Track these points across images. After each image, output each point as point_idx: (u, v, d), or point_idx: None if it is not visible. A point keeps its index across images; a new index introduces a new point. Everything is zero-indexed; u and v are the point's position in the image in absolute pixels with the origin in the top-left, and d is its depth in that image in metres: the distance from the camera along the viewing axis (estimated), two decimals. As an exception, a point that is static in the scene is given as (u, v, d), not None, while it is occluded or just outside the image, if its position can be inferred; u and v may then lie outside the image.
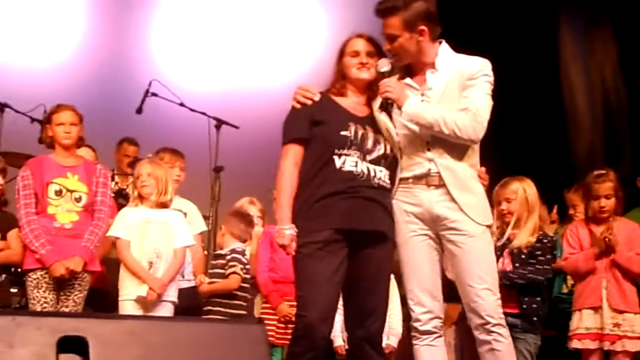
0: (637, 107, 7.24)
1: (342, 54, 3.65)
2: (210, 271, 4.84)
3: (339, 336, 4.69)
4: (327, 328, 3.40)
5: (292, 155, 3.53)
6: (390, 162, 3.56)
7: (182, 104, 6.16)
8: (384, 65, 3.55)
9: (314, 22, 8.02)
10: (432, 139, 3.49)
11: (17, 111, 5.91)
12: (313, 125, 3.52)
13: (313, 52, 7.38)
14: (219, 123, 6.01)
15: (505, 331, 3.45)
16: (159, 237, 4.55)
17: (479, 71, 3.52)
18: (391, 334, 4.96)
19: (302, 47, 7.81)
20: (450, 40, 3.62)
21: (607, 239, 4.49)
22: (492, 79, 3.55)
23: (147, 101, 6.13)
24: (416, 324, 3.52)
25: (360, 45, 3.61)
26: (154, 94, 6.13)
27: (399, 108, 3.47)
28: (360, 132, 3.51)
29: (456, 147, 3.49)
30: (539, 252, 4.37)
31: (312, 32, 7.95)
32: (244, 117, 6.32)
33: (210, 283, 4.79)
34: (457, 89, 3.50)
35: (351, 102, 3.63)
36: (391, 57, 3.56)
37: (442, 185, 3.47)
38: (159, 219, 4.59)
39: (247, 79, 7.88)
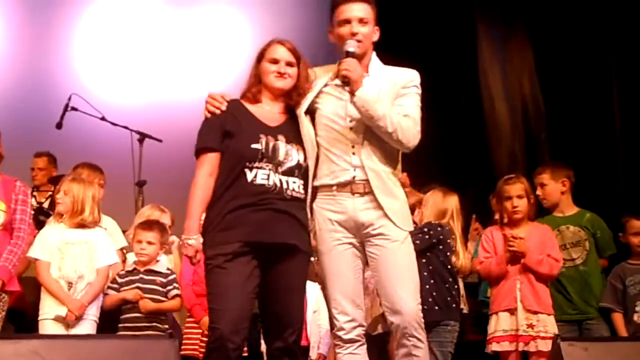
0: (554, 114, 7.43)
1: (261, 57, 3.62)
2: (142, 286, 4.68)
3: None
4: (239, 339, 3.39)
5: (207, 165, 3.51)
6: (305, 171, 3.56)
7: (103, 118, 6.10)
8: (352, 46, 3.50)
9: (237, 34, 8.01)
10: (358, 143, 3.51)
11: None
12: (225, 136, 3.51)
13: (236, 64, 7.36)
14: (142, 137, 5.97)
15: (424, 337, 3.49)
16: (80, 258, 4.51)
17: (410, 81, 3.58)
18: (322, 343, 4.98)
19: (225, 59, 7.79)
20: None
21: (512, 249, 4.57)
22: (420, 91, 3.61)
23: (67, 115, 6.04)
24: (340, 333, 3.53)
25: (282, 53, 3.59)
26: (74, 109, 6.05)
27: (352, 92, 3.47)
28: (271, 144, 3.49)
29: (385, 153, 3.53)
30: None
31: (235, 43, 7.94)
32: (167, 130, 6.28)
33: (153, 300, 4.65)
34: (390, 97, 3.53)
35: (264, 110, 3.61)
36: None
37: (367, 192, 3.49)
38: (79, 239, 4.54)
39: (169, 92, 7.84)
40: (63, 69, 7.57)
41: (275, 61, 3.58)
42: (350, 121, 3.54)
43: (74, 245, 4.51)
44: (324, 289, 3.79)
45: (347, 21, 3.56)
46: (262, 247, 3.43)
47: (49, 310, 4.45)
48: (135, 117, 6.56)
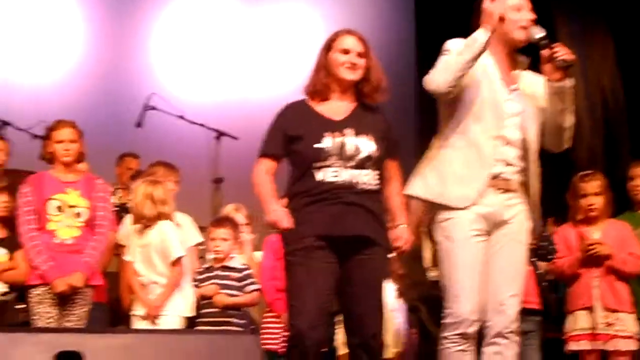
0: (635, 110, 7.24)
1: (329, 48, 3.56)
2: (218, 282, 4.76)
3: (344, 344, 4.67)
4: (317, 335, 3.40)
5: (263, 166, 3.55)
6: (377, 161, 3.51)
7: (181, 117, 6.21)
8: (539, 31, 3.41)
9: (312, 31, 8.05)
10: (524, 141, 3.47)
11: (18, 128, 5.95)
12: (289, 141, 3.52)
13: (311, 61, 7.41)
14: (219, 134, 6.06)
15: (518, 340, 3.46)
16: (152, 256, 4.61)
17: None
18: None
19: (300, 56, 7.84)
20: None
21: (594, 252, 4.47)
22: None
23: (146, 114, 6.17)
24: (466, 329, 3.41)
25: (352, 43, 3.53)
26: (153, 108, 6.18)
27: (566, 77, 3.40)
28: (338, 140, 3.46)
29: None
30: None
31: (310, 40, 7.98)
32: (244, 128, 6.35)
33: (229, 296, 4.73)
34: (532, 99, 3.50)
35: (330, 105, 3.57)
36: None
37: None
38: (150, 238, 4.63)
39: (245, 90, 7.90)
40: (143, 69, 7.70)
41: (346, 52, 3.51)
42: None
43: (146, 244, 4.62)
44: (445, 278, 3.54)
45: (519, 8, 3.46)
46: (337, 241, 3.43)
47: (137, 307, 4.60)
48: (212, 115, 6.64)
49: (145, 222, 4.64)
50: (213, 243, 4.79)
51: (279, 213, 3.43)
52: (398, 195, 3.60)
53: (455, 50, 3.41)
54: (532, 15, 3.46)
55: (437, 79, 3.38)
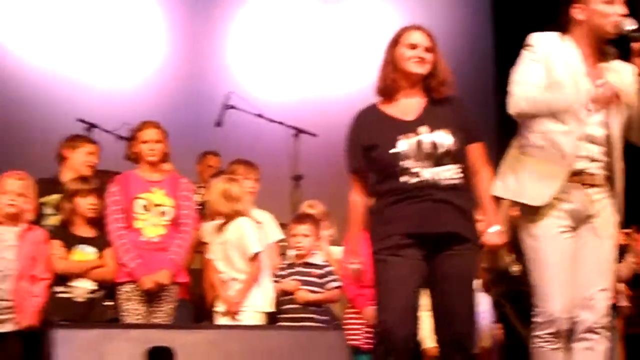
0: None
1: (395, 44, 3.54)
2: (300, 278, 4.80)
3: (429, 338, 4.65)
4: (405, 331, 3.40)
5: (355, 186, 3.60)
6: (456, 154, 3.46)
7: (259, 115, 6.26)
8: (630, 24, 3.32)
9: (389, 28, 8.02)
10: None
11: (104, 130, 6.11)
12: (365, 151, 3.52)
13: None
14: (297, 132, 6.10)
15: (608, 336, 3.42)
16: (231, 253, 4.67)
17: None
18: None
19: (378, 54, 7.83)
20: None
21: None
22: None
23: (225, 113, 6.25)
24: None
25: (419, 38, 3.51)
26: (232, 107, 6.25)
27: None
28: (413, 141, 3.43)
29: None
30: None
31: (387, 37, 7.96)
32: (322, 125, 6.37)
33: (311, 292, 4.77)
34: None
35: (400, 105, 3.54)
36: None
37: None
38: (228, 235, 4.69)
39: (323, 87, 7.93)
40: (221, 68, 7.77)
41: (413, 46, 3.50)
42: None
43: (224, 241, 4.68)
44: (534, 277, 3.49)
45: (611, 1, 3.38)
46: (425, 238, 3.43)
47: (219, 304, 4.67)
48: (290, 112, 6.68)
49: (222, 219, 4.71)
50: (294, 239, 4.83)
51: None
52: (485, 188, 3.54)
53: (540, 51, 3.39)
54: (623, 9, 3.38)
55: (521, 108, 3.39)
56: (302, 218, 4.95)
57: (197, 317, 5.05)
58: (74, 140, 5.16)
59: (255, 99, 6.42)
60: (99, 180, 4.76)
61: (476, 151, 3.56)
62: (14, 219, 4.44)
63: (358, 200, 3.59)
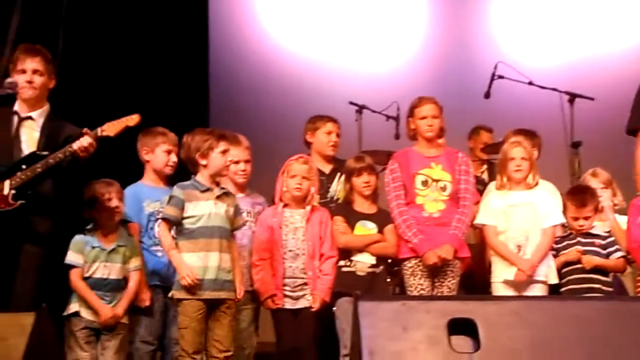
0: None
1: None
2: (581, 248, 4.69)
3: None
4: None
5: None
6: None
7: (530, 83, 6.09)
8: None
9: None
10: None
11: (373, 111, 6.25)
12: None
13: None
14: (572, 97, 5.86)
15: None
16: (525, 219, 4.58)
17: None
18: None
19: None
20: None
21: None
22: None
23: (494, 84, 6.14)
24: None
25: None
26: (501, 77, 6.13)
27: None
28: None
29: None
30: None
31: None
32: (599, 87, 6.07)
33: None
34: None
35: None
36: None
37: None
38: (523, 201, 4.61)
39: (594, 46, 7.56)
40: (486, 39, 7.69)
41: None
42: None
43: (518, 207, 4.59)
44: None
45: None
46: None
47: (499, 274, 4.59)
48: (562, 77, 6.43)
49: (523, 184, 4.63)
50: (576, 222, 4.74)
51: None
52: None
53: None
54: None
55: None
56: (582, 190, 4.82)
57: (479, 290, 5.01)
58: (314, 122, 5.29)
59: (523, 67, 6.22)
60: (370, 159, 4.87)
61: None
62: (300, 201, 4.64)
63: None
